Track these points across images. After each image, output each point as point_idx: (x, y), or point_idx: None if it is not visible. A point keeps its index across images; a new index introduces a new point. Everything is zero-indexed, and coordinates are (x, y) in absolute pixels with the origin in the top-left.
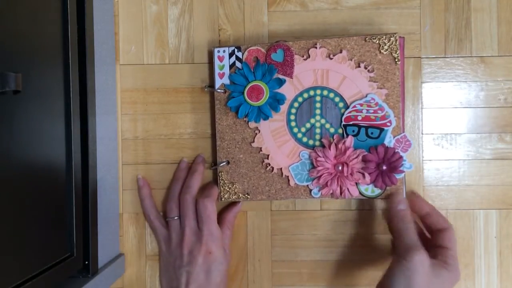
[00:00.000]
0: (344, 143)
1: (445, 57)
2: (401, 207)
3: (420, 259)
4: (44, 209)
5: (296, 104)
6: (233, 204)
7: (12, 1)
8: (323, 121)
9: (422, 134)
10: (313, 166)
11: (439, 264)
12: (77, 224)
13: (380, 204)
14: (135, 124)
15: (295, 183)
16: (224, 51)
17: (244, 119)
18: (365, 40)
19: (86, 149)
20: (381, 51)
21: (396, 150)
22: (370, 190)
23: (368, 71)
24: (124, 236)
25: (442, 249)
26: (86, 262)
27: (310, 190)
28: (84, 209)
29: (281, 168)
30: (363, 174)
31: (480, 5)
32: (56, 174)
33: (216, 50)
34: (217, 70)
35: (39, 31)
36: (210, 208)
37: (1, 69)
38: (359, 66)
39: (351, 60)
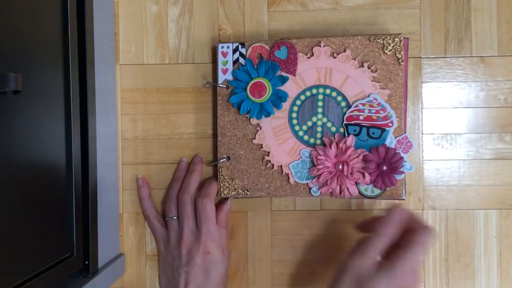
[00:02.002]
0: (345, 142)
1: (445, 57)
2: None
3: (352, 264)
4: (44, 209)
5: (298, 102)
6: (222, 202)
7: (12, 1)
8: (324, 119)
9: (422, 134)
10: (314, 165)
11: (381, 266)
12: (77, 224)
13: (379, 205)
14: (135, 124)
15: (295, 181)
16: (228, 47)
17: (246, 115)
18: (369, 40)
19: (86, 149)
20: (385, 51)
21: (397, 151)
22: (370, 190)
23: (372, 71)
24: (124, 236)
25: (396, 250)
26: (86, 262)
27: (310, 189)
28: (84, 209)
29: (281, 166)
30: (363, 174)
31: (480, 5)
32: (56, 174)
33: (220, 45)
34: (220, 66)
35: (39, 31)
36: (209, 208)
37: (1, 69)
38: (362, 66)
39: (355, 59)
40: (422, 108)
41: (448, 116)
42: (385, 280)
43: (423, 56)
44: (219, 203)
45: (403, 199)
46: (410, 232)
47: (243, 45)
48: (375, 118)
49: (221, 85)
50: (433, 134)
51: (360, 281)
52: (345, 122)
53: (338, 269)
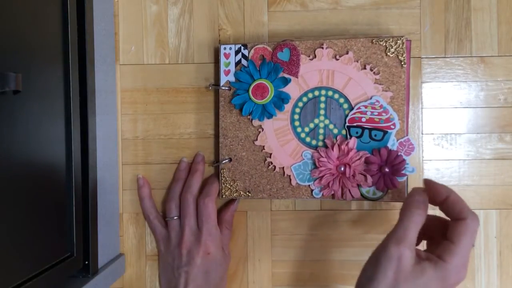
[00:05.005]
0: (347, 144)
1: (445, 57)
2: (416, 197)
3: (396, 254)
4: (44, 209)
5: (300, 104)
6: (229, 203)
7: (12, 1)
8: (327, 121)
9: (422, 134)
10: (315, 167)
11: (430, 259)
12: (77, 224)
13: (380, 205)
14: (135, 124)
15: (297, 183)
16: (230, 48)
17: (248, 117)
18: (372, 42)
19: (86, 149)
20: (388, 53)
21: (399, 153)
22: (371, 192)
23: (374, 73)
24: (124, 236)
25: (445, 243)
26: (86, 262)
27: (312, 190)
28: (84, 209)
29: (283, 167)
30: (365, 176)
31: (480, 5)
32: (56, 174)
33: (222, 47)
34: (222, 67)
35: (39, 31)
36: (211, 208)
37: (1, 69)
38: (365, 68)
39: (357, 61)
40: (422, 108)
41: (448, 116)
42: (437, 280)
43: (423, 56)
44: (227, 204)
45: None
46: (455, 221)
47: (245, 46)
48: (377, 120)
49: (223, 87)
50: (433, 134)
51: (406, 275)
52: (347, 124)
53: (376, 254)
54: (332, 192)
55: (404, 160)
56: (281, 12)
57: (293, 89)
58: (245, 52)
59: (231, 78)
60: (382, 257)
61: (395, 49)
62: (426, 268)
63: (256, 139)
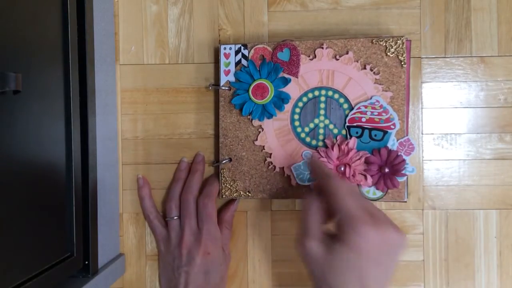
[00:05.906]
0: (347, 144)
1: (445, 57)
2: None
3: (302, 252)
4: (44, 209)
5: (300, 104)
6: (229, 203)
7: (12, 1)
8: (327, 121)
9: (422, 134)
10: None
11: (337, 239)
12: (77, 224)
13: (380, 205)
14: (135, 124)
15: (297, 183)
16: (230, 48)
17: (248, 117)
18: (372, 42)
19: (86, 149)
20: (388, 53)
21: (399, 153)
22: (371, 192)
23: (374, 73)
24: (124, 236)
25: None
26: (86, 262)
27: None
28: (84, 209)
29: (283, 167)
30: (365, 176)
31: (480, 5)
32: (56, 174)
33: (222, 47)
34: (222, 67)
35: (39, 31)
36: (210, 207)
37: (1, 69)
38: (365, 68)
39: (357, 61)
40: (422, 108)
41: (448, 116)
42: (356, 253)
43: (423, 56)
44: (227, 204)
45: (405, 201)
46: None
47: (245, 46)
48: (377, 120)
49: (223, 87)
50: (433, 134)
51: (323, 264)
52: (347, 124)
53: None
54: None
55: (404, 160)
56: (281, 12)
57: (293, 89)
58: (245, 52)
59: (231, 78)
60: (301, 259)
61: (395, 49)
62: (336, 249)
63: (256, 139)
